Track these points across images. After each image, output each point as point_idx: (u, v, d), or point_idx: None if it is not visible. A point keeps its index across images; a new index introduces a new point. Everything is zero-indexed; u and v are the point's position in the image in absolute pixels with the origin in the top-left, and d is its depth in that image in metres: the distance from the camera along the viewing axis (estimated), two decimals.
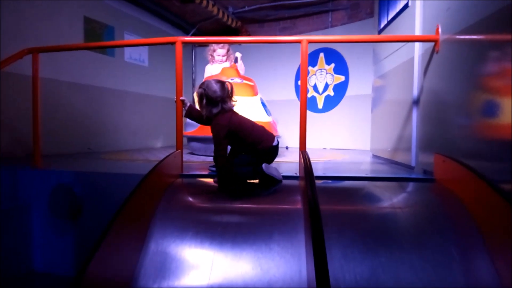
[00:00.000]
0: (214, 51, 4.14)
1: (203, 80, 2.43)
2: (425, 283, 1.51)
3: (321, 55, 5.89)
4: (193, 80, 6.75)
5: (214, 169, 2.44)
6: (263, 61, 6.17)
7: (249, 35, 6.41)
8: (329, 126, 5.76)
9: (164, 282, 1.55)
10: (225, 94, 2.21)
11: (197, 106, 2.37)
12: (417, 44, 2.76)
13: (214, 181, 2.29)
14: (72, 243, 2.47)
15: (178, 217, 1.87)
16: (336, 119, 5.74)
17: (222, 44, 4.07)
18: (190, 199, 2.05)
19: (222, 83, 2.22)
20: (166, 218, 1.85)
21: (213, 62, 4.20)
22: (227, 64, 4.18)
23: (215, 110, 2.20)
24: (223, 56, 4.13)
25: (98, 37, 4.65)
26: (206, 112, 2.22)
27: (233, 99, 2.26)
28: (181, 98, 2.44)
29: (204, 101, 2.19)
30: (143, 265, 1.61)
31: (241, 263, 1.61)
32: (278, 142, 2.33)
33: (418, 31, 2.76)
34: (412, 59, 2.80)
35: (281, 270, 1.58)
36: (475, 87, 1.92)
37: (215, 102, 2.19)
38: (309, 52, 2.51)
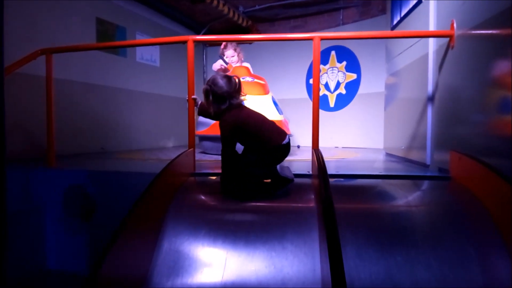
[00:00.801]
0: (223, 54, 4.19)
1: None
2: (442, 283, 1.48)
3: (333, 53, 5.84)
4: (204, 80, 6.77)
5: None
6: (274, 60, 6.15)
7: (260, 34, 6.39)
8: (341, 124, 5.71)
9: (178, 280, 1.55)
10: (232, 89, 2.11)
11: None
12: (431, 40, 2.71)
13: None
14: (85, 242, 2.49)
15: (190, 215, 1.87)
16: (348, 117, 5.69)
17: (228, 46, 4.11)
18: (203, 197, 2.05)
19: (228, 78, 2.14)
20: (179, 217, 1.85)
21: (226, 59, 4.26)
22: (239, 65, 4.20)
23: (223, 107, 2.11)
24: (232, 56, 4.15)
25: (110, 38, 4.69)
26: (214, 109, 2.14)
27: (242, 93, 2.17)
28: (193, 96, 2.43)
29: (211, 97, 2.12)
30: (157, 264, 1.61)
31: (254, 261, 1.60)
32: (289, 140, 2.23)
33: (432, 27, 2.71)
34: (427, 55, 2.76)
35: (294, 268, 1.57)
36: (491, 83, 1.87)
37: (222, 98, 2.10)
38: (320, 50, 2.47)
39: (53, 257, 2.57)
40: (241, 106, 2.16)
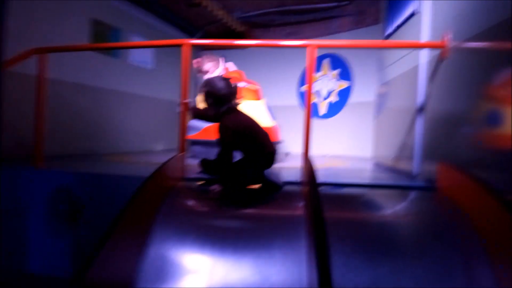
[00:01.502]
0: (201, 71, 4.00)
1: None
2: None
3: (326, 60, 5.88)
4: (197, 84, 6.75)
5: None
6: (267, 66, 6.17)
7: (255, 39, 6.41)
8: (331, 132, 5.74)
9: (163, 287, 1.53)
10: (231, 90, 2.14)
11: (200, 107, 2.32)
12: (423, 51, 2.75)
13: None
14: (70, 245, 2.45)
15: (179, 221, 1.86)
16: (338, 125, 5.73)
17: (203, 58, 3.95)
18: (192, 203, 2.04)
19: (227, 80, 2.15)
20: (167, 222, 1.84)
21: (205, 73, 4.09)
22: (220, 69, 4.08)
23: (222, 109, 2.12)
24: (211, 67, 3.96)
25: (105, 39, 4.66)
26: (213, 112, 2.14)
27: (239, 95, 2.19)
28: (185, 100, 2.43)
29: (211, 100, 2.12)
30: (143, 269, 1.60)
31: (241, 268, 1.60)
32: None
33: (425, 38, 2.75)
34: (418, 66, 2.79)
35: (282, 276, 1.57)
36: (481, 95, 1.91)
37: (222, 100, 2.11)
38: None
39: (36, 260, 2.52)
40: (237, 110, 2.17)
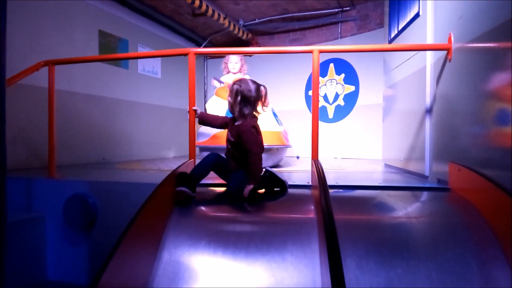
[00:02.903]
0: (228, 60, 4.13)
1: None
2: None
3: (331, 65, 5.90)
4: (205, 92, 6.81)
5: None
6: (273, 72, 6.20)
7: (260, 46, 6.46)
8: (340, 135, 5.74)
9: None
10: (259, 96, 2.18)
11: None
12: (428, 53, 2.75)
13: (235, 191, 2.11)
14: (86, 252, 2.49)
15: (191, 226, 1.87)
16: (346, 128, 5.72)
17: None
18: (203, 208, 2.05)
19: (257, 85, 2.19)
20: (179, 227, 1.85)
21: (227, 72, 4.21)
22: (240, 75, 4.19)
23: (246, 111, 2.15)
24: (236, 63, 4.10)
25: (112, 50, 4.74)
26: (237, 109, 2.16)
27: (265, 104, 2.24)
28: (193, 108, 2.46)
29: (239, 98, 2.13)
30: (157, 275, 1.61)
31: (254, 272, 1.60)
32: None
33: (430, 40, 2.75)
34: (424, 68, 2.79)
35: (295, 280, 1.57)
36: (489, 95, 1.90)
37: (249, 102, 2.15)
38: (319, 62, 2.51)
39: (53, 268, 2.56)
40: (256, 117, 2.23)
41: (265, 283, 1.56)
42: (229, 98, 2.20)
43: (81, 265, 2.49)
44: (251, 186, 2.04)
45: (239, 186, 2.06)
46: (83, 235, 2.48)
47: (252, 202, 2.06)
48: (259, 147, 2.11)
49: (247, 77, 4.21)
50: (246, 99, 2.14)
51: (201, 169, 2.16)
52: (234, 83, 2.19)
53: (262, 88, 2.21)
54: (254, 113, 2.21)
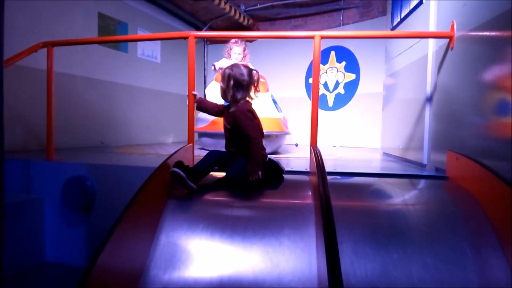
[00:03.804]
0: (230, 49, 4.09)
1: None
2: (438, 281, 1.50)
3: (332, 53, 5.86)
4: (205, 77, 6.77)
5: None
6: (274, 59, 6.16)
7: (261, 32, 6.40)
8: (339, 124, 5.73)
9: (175, 274, 1.55)
10: (252, 81, 2.16)
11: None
12: (431, 41, 2.72)
13: (238, 177, 2.05)
14: (84, 234, 2.50)
15: (188, 210, 1.88)
16: (346, 117, 5.71)
17: (239, 42, 4.03)
18: (201, 192, 2.05)
19: (250, 70, 2.17)
20: (177, 211, 1.86)
21: (230, 59, 4.18)
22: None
23: (239, 95, 2.13)
24: (239, 54, 4.07)
25: (112, 33, 4.70)
26: (230, 94, 2.14)
27: (258, 89, 2.20)
28: (193, 92, 2.44)
29: (232, 82, 2.11)
30: (154, 257, 1.62)
31: (251, 256, 1.61)
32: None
33: (432, 28, 2.73)
34: (426, 56, 2.77)
35: (291, 263, 1.58)
36: (490, 85, 1.89)
37: (241, 86, 2.12)
38: (320, 49, 2.49)
39: (51, 249, 2.58)
40: (250, 103, 2.20)
41: (261, 266, 1.57)
42: (222, 83, 2.18)
43: (80, 246, 2.50)
44: (255, 174, 2.00)
45: (238, 172, 2.04)
46: (81, 217, 2.49)
47: (250, 188, 2.05)
48: (257, 131, 2.09)
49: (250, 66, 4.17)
50: (239, 84, 2.12)
51: (203, 166, 2.13)
52: (226, 67, 2.18)
53: (254, 72, 2.19)
54: (248, 98, 2.18)
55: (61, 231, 2.55)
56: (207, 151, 2.30)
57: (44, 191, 2.60)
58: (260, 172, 2.02)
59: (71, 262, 2.51)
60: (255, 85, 2.19)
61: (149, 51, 5.45)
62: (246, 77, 2.13)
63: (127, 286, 1.45)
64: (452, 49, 2.35)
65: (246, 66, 2.18)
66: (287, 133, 3.97)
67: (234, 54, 4.03)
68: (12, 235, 2.33)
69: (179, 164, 1.98)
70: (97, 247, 1.30)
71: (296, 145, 5.30)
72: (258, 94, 2.25)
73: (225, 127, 2.23)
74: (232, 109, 2.17)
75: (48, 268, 2.50)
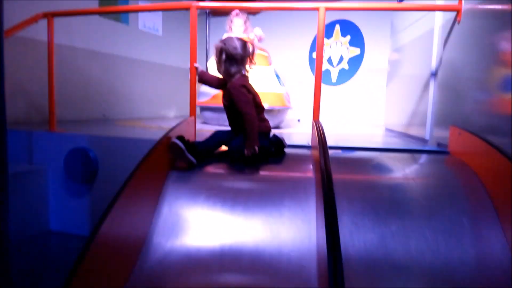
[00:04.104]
0: (231, 21, 4.01)
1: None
2: (435, 252, 1.52)
3: (337, 26, 5.75)
4: (207, 50, 6.69)
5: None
6: (277, 33, 6.05)
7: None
8: (342, 99, 5.70)
9: (177, 242, 1.59)
10: (246, 53, 2.07)
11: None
12: (437, 14, 2.67)
13: (236, 151, 2.03)
14: (87, 204, 2.54)
15: (190, 181, 1.90)
16: (349, 92, 5.67)
17: (240, 15, 3.95)
18: (203, 165, 2.06)
19: (244, 42, 2.09)
20: (179, 182, 1.88)
21: (231, 32, 4.11)
22: (244, 36, 4.08)
23: (233, 69, 2.06)
24: (240, 26, 4.00)
25: (112, 4, 4.61)
26: (223, 69, 2.09)
27: (253, 62, 2.13)
28: (195, 64, 2.41)
29: (224, 56, 2.05)
30: (157, 226, 1.65)
31: (252, 226, 1.64)
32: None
33: (439, 1, 2.67)
34: (432, 30, 2.72)
35: (291, 233, 1.60)
36: (496, 60, 1.86)
37: (234, 60, 2.05)
38: (325, 23, 2.44)
39: (55, 218, 2.62)
40: (247, 76, 2.14)
41: (262, 236, 1.60)
42: (215, 58, 2.12)
43: (83, 216, 2.55)
44: (251, 149, 1.96)
45: (239, 146, 2.02)
46: (85, 187, 2.52)
47: (250, 162, 2.02)
48: (252, 106, 2.02)
49: (252, 36, 4.11)
50: (232, 57, 2.05)
51: (206, 144, 2.10)
52: (219, 41, 2.10)
53: (249, 44, 2.11)
54: (244, 72, 2.11)
55: (64, 201, 2.59)
56: (209, 125, 2.29)
57: (47, 162, 2.62)
58: (256, 147, 1.96)
59: (75, 232, 2.56)
60: (251, 57, 2.12)
61: (150, 23, 5.36)
62: (239, 51, 2.04)
63: (130, 253, 1.49)
64: (459, 22, 2.31)
65: (240, 39, 2.10)
66: (289, 107, 3.96)
67: (235, 27, 3.96)
68: (16, 204, 2.37)
69: (180, 138, 1.97)
70: (100, 216, 1.32)
71: (299, 120, 5.29)
72: (260, 67, 2.19)
73: (223, 104, 2.19)
74: (228, 85, 2.13)
75: (52, 237, 2.56)
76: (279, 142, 2.18)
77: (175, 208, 1.73)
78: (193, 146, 1.99)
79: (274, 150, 2.16)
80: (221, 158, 2.15)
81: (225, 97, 2.15)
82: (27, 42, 3.38)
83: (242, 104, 2.00)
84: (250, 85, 2.12)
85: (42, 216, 2.59)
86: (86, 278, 1.15)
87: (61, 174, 2.56)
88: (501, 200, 1.61)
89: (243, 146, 1.99)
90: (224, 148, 2.22)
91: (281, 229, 1.63)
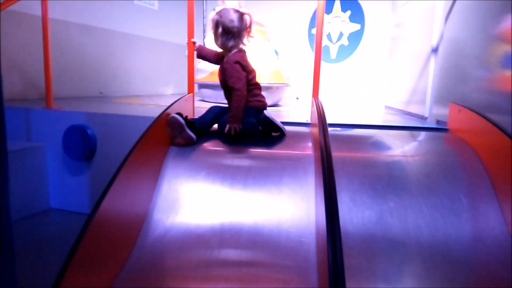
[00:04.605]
0: None
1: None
2: (432, 228, 1.54)
3: (337, 1, 5.63)
4: (204, 26, 6.56)
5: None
6: (275, 8, 5.93)
7: None
8: (342, 76, 5.64)
9: (177, 218, 1.60)
10: (243, 26, 2.02)
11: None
12: None
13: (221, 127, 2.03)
14: (87, 182, 2.54)
15: (189, 158, 1.90)
16: (349, 69, 5.61)
17: None
18: (202, 142, 2.06)
19: (240, 14, 2.03)
20: (178, 159, 1.88)
21: (223, 2, 4.01)
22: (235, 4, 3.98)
23: (230, 43, 2.02)
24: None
25: None
26: (220, 43, 2.04)
27: (251, 35, 2.07)
28: (192, 39, 2.37)
29: (220, 29, 2.00)
30: (157, 202, 1.66)
31: (251, 203, 1.65)
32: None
33: None
34: (434, 5, 2.67)
35: (290, 211, 1.62)
36: (497, 37, 1.83)
37: (231, 33, 2.00)
38: None
39: (55, 196, 2.63)
40: (244, 50, 2.10)
41: (261, 212, 1.61)
42: (212, 31, 2.06)
43: (83, 194, 2.56)
44: (232, 126, 1.94)
45: (225, 123, 1.99)
46: (84, 165, 2.52)
47: (235, 139, 2.00)
48: (243, 84, 1.98)
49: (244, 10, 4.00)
50: (229, 31, 2.00)
51: (203, 120, 2.07)
52: (216, 13, 2.04)
53: (246, 16, 2.04)
54: (241, 46, 2.07)
55: (64, 178, 2.59)
56: (207, 103, 2.26)
57: (45, 139, 2.60)
58: (237, 126, 1.94)
59: (75, 209, 2.57)
60: (249, 30, 2.07)
61: None
62: (236, 23, 1.99)
63: (131, 229, 1.50)
64: None
65: (236, 11, 2.04)
66: (287, 85, 3.92)
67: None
68: (16, 181, 2.37)
69: (179, 115, 1.95)
70: (101, 193, 1.33)
71: (297, 98, 5.26)
72: (258, 43, 2.14)
73: (219, 78, 2.14)
74: (224, 60, 2.08)
75: (52, 214, 2.57)
76: (269, 123, 2.10)
77: (174, 185, 1.74)
78: (191, 123, 1.98)
79: (262, 129, 2.12)
80: (219, 135, 2.14)
81: (220, 72, 2.11)
82: (19, 15, 3.30)
83: (233, 80, 1.97)
84: (246, 61, 2.07)
85: (42, 193, 2.60)
86: (88, 255, 1.16)
87: (60, 152, 2.55)
88: (499, 178, 1.62)
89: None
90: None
91: (280, 206, 1.64)
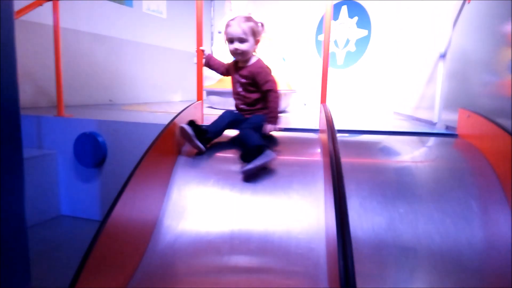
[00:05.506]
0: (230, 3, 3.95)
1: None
2: (443, 235, 1.53)
3: (344, 7, 5.65)
4: (212, 33, 6.62)
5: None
6: (282, 15, 5.97)
7: None
8: (349, 82, 5.64)
9: (187, 224, 1.61)
10: (258, 33, 2.04)
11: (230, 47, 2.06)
12: None
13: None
14: (98, 189, 2.57)
15: (199, 165, 1.91)
16: (356, 75, 5.60)
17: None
18: (211, 149, 2.07)
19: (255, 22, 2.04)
20: (188, 166, 1.89)
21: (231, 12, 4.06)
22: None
23: (245, 50, 1.99)
24: (240, 7, 3.93)
25: None
26: (252, 49, 2.03)
27: (265, 41, 2.16)
28: (201, 47, 2.39)
29: (255, 38, 2.00)
30: (167, 209, 1.67)
31: (260, 209, 1.65)
32: None
33: None
34: (442, 11, 2.67)
35: (299, 217, 1.62)
36: (506, 42, 1.82)
37: (246, 40, 1.99)
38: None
39: (66, 203, 2.66)
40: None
41: (270, 219, 1.61)
42: (244, 36, 1.97)
43: (94, 201, 2.58)
44: (272, 127, 2.01)
45: (259, 123, 2.01)
46: (95, 172, 2.55)
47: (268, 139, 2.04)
48: (274, 85, 2.02)
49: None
50: (257, 37, 2.03)
51: (216, 126, 2.06)
52: (246, 19, 1.99)
53: (259, 25, 2.05)
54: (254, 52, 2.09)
55: (75, 185, 2.62)
56: (215, 109, 2.27)
57: (56, 147, 2.64)
58: (277, 127, 2.03)
59: (86, 216, 2.60)
60: (260, 38, 2.07)
61: (155, 6, 5.31)
62: (261, 29, 2.03)
63: (142, 236, 1.51)
64: (469, 2, 2.26)
65: (250, 19, 2.03)
66: (294, 91, 3.94)
67: (235, 7, 3.89)
68: (27, 189, 2.39)
69: (191, 123, 1.96)
70: (112, 200, 1.34)
71: (305, 104, 5.26)
72: (266, 49, 2.16)
73: (238, 81, 2.09)
74: (248, 64, 2.06)
75: (63, 221, 2.60)
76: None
77: (184, 192, 1.75)
78: (204, 131, 1.99)
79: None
80: (229, 142, 2.16)
81: (244, 74, 2.06)
82: (31, 25, 3.37)
83: (270, 83, 2.00)
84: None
85: (53, 200, 2.63)
86: (99, 261, 1.17)
87: (71, 159, 2.59)
88: (510, 183, 1.60)
89: (262, 123, 2.01)
90: (233, 132, 2.17)
91: (290, 212, 1.64)
